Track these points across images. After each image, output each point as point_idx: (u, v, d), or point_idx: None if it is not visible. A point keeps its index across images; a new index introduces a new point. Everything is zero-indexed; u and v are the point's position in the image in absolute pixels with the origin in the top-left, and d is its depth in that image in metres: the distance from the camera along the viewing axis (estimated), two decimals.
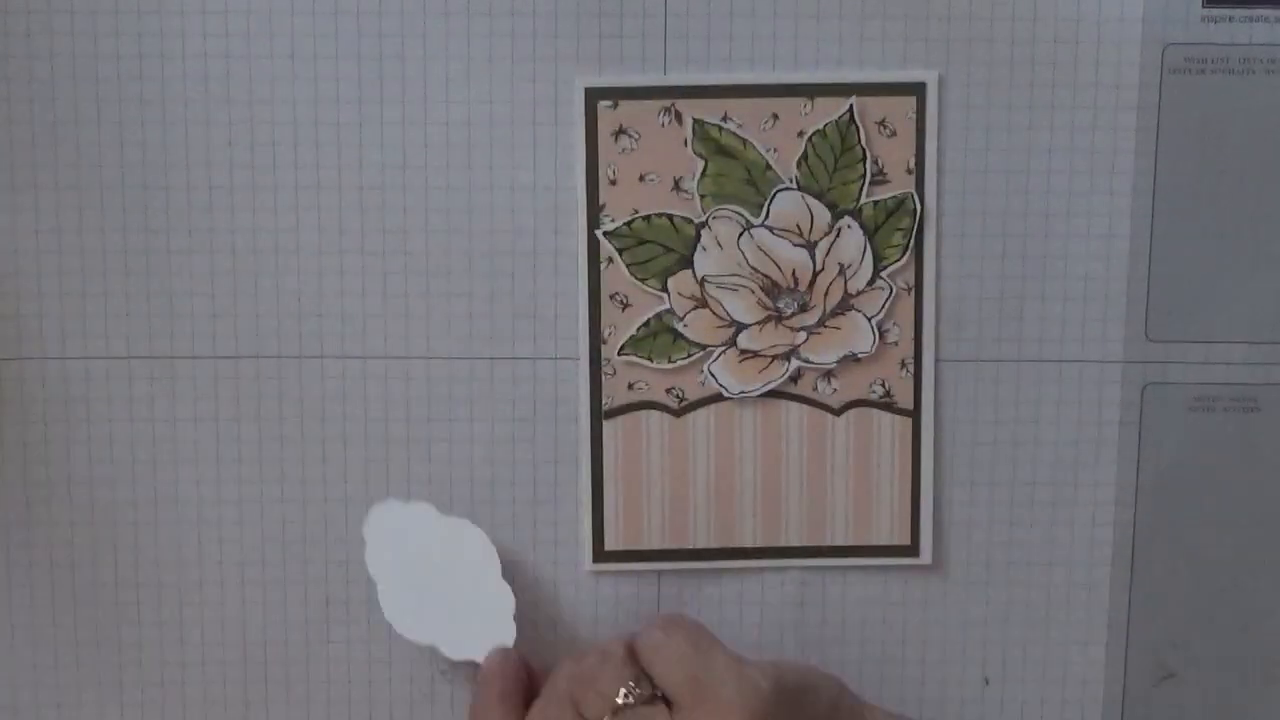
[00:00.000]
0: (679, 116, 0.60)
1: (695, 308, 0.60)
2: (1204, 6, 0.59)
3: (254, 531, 0.61)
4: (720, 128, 0.59)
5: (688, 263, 0.60)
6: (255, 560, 0.61)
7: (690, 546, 0.62)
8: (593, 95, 0.59)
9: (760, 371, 0.61)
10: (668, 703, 0.53)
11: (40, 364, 0.60)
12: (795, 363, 0.61)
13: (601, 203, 0.60)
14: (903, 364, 0.61)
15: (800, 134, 0.59)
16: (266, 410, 0.61)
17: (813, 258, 0.60)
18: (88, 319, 0.60)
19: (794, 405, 0.61)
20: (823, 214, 0.60)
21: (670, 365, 0.61)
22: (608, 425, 0.61)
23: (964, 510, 0.62)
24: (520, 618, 0.59)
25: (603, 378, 0.61)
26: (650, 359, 0.61)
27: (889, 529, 0.62)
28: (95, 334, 0.60)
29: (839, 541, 0.62)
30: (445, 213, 0.60)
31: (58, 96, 0.59)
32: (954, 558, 0.62)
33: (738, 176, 0.60)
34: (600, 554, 0.62)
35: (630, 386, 0.61)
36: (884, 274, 0.60)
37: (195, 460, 0.61)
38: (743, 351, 0.61)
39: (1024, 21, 0.59)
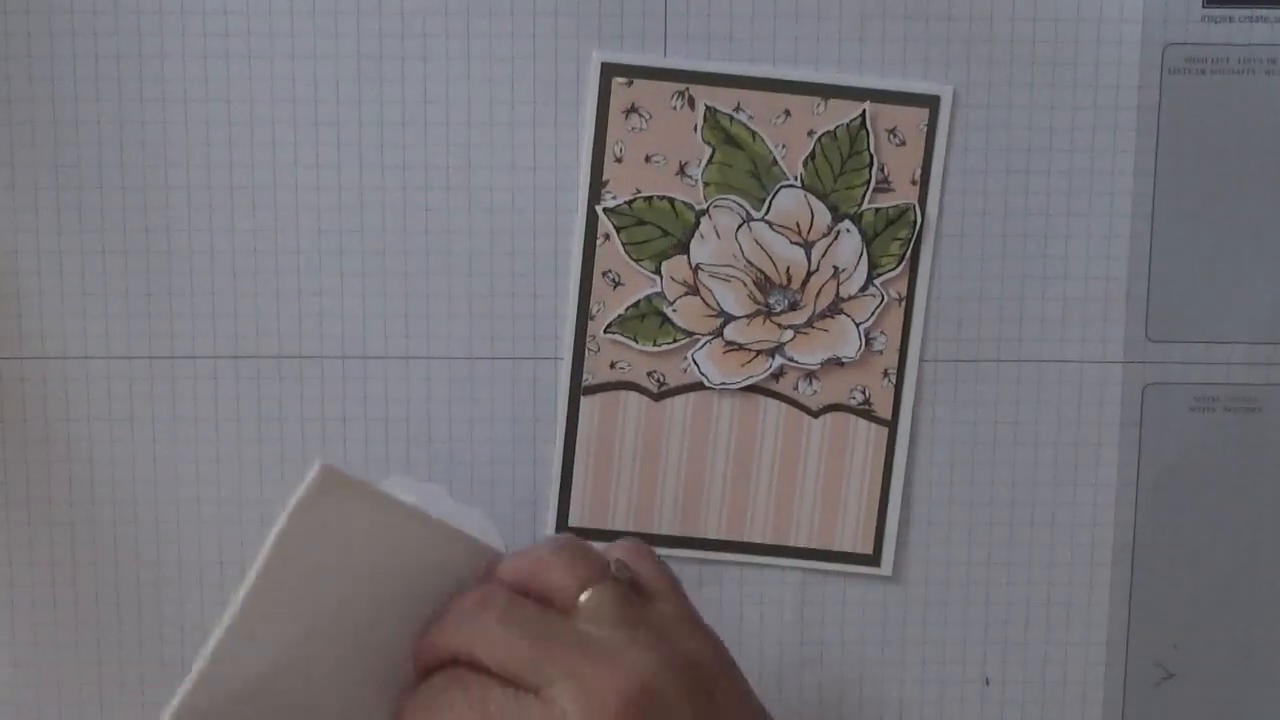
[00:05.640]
0: (692, 102, 0.60)
1: (686, 294, 0.60)
2: (1204, 6, 0.59)
3: (253, 531, 0.61)
4: (731, 118, 0.59)
5: (684, 248, 0.60)
6: (256, 560, 0.61)
7: (654, 531, 0.62)
8: (608, 71, 0.59)
9: (743, 365, 0.61)
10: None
11: (40, 364, 0.60)
12: (779, 360, 0.61)
13: (605, 179, 0.60)
14: (885, 373, 0.61)
15: (810, 133, 0.59)
16: (266, 410, 0.61)
17: (808, 257, 0.60)
18: (88, 319, 0.60)
19: (773, 402, 0.61)
20: (823, 215, 0.60)
21: (655, 348, 0.61)
22: (585, 401, 0.61)
23: (963, 511, 0.62)
24: None
25: (585, 353, 0.61)
26: (635, 340, 0.61)
27: (853, 537, 0.62)
28: (95, 334, 0.60)
29: (802, 543, 0.62)
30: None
31: (58, 96, 0.59)
32: (945, 559, 0.62)
33: (743, 168, 0.60)
34: (563, 529, 0.62)
35: (612, 365, 0.61)
36: (877, 282, 0.60)
37: (195, 460, 0.61)
38: (728, 343, 0.61)
39: (1024, 21, 0.59)
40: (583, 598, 0.49)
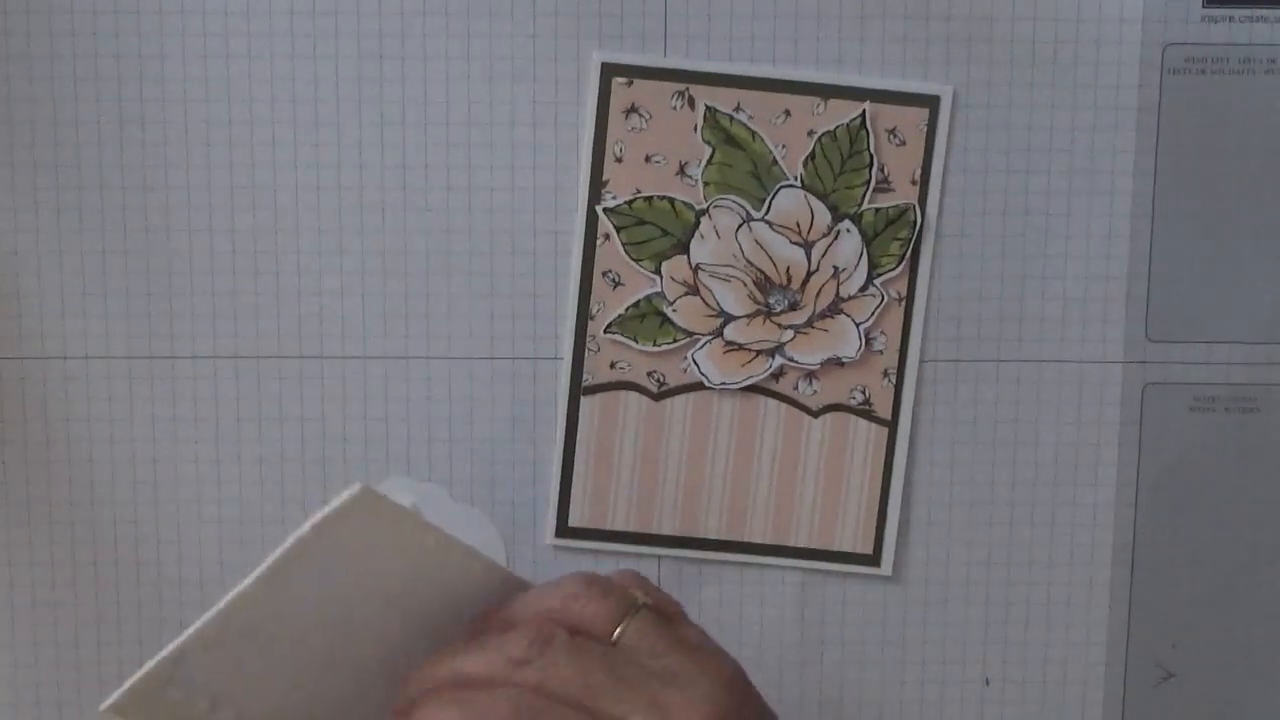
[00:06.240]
0: (692, 102, 0.60)
1: (686, 294, 0.60)
2: (1204, 6, 0.59)
3: (254, 531, 0.61)
4: (731, 118, 0.59)
5: (684, 248, 0.60)
6: (255, 560, 0.61)
7: (654, 531, 0.62)
8: (608, 71, 0.59)
9: (743, 365, 0.61)
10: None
11: (40, 364, 0.60)
12: (779, 360, 0.61)
13: (605, 179, 0.60)
14: (885, 373, 0.61)
15: (810, 133, 0.59)
16: (266, 410, 0.61)
17: (808, 257, 0.60)
18: (88, 319, 0.60)
19: (773, 402, 0.61)
20: (823, 215, 0.60)
21: (655, 348, 0.61)
22: (585, 401, 0.61)
23: (963, 511, 0.62)
24: None
25: (585, 353, 0.61)
26: (635, 340, 0.61)
27: (853, 537, 0.62)
28: (95, 334, 0.60)
29: (802, 543, 0.62)
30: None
31: (58, 96, 0.59)
32: (945, 559, 0.62)
33: (743, 168, 0.60)
34: (563, 529, 0.62)
35: (612, 365, 0.61)
36: (877, 282, 0.60)
37: (195, 460, 0.61)
38: (728, 343, 0.61)
39: (1024, 21, 0.59)
40: (621, 629, 0.49)
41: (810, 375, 0.61)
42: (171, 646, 0.47)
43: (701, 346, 0.61)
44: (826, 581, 0.62)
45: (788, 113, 0.59)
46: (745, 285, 0.60)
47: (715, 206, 0.60)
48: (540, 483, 0.61)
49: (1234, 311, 0.61)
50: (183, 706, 0.48)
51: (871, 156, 0.59)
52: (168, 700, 0.48)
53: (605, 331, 0.61)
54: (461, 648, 0.49)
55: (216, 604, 0.47)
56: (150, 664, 0.47)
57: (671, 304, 0.60)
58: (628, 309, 0.61)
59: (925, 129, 0.60)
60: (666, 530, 0.62)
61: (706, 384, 0.61)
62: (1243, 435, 0.61)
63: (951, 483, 0.62)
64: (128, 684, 0.47)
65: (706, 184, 0.60)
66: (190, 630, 0.47)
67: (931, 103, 0.59)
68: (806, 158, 0.59)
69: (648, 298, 0.60)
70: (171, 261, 0.60)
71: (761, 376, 0.61)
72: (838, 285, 0.60)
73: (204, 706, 0.49)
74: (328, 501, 0.46)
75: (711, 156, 0.60)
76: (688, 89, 0.59)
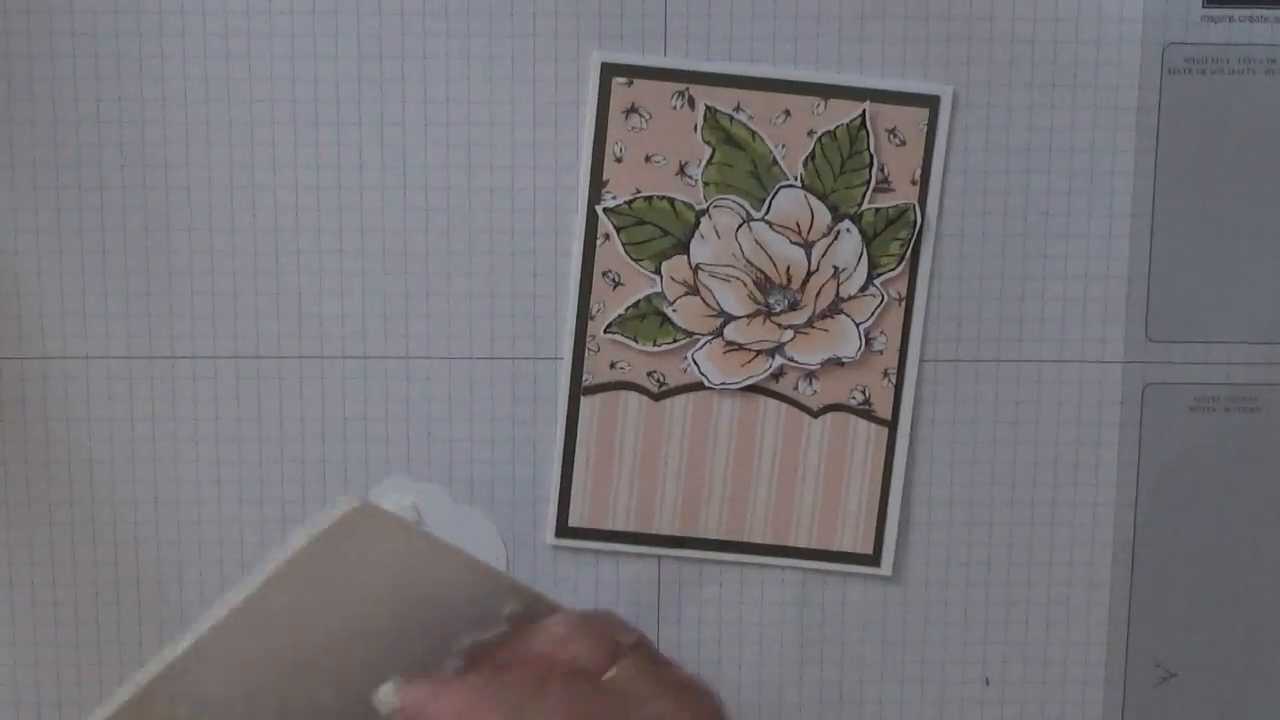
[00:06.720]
0: (692, 102, 0.60)
1: (686, 294, 0.60)
2: (1204, 6, 0.59)
3: (253, 531, 0.61)
4: (731, 118, 0.59)
5: (684, 248, 0.60)
6: (255, 559, 0.61)
7: (654, 531, 0.62)
8: (608, 71, 0.59)
9: (743, 365, 0.61)
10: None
11: (40, 364, 0.60)
12: (779, 360, 0.61)
13: (605, 179, 0.60)
14: (885, 373, 0.61)
15: (810, 133, 0.59)
16: (266, 410, 0.61)
17: (808, 257, 0.60)
18: (88, 319, 0.60)
19: (773, 402, 0.61)
20: (823, 215, 0.60)
21: (655, 348, 0.61)
22: (585, 401, 0.61)
23: (963, 511, 0.62)
24: None
25: (585, 353, 0.61)
26: (635, 340, 0.61)
27: (853, 537, 0.62)
28: (95, 334, 0.60)
29: (802, 543, 0.62)
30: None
31: (58, 96, 0.59)
32: (945, 559, 0.62)
33: (743, 168, 0.60)
34: (563, 529, 0.62)
35: (612, 365, 0.61)
36: (877, 282, 0.60)
37: (195, 460, 0.61)
38: (728, 343, 0.61)
39: (1024, 22, 0.59)
40: (613, 672, 0.50)
41: (810, 375, 0.61)
42: (161, 666, 0.47)
43: (701, 346, 0.61)
44: (826, 581, 0.62)
45: (788, 113, 0.59)
46: (745, 285, 0.60)
47: (715, 206, 0.60)
48: (540, 483, 0.62)
49: (1234, 311, 0.61)
50: (168, 716, 0.48)
51: (871, 156, 0.59)
52: (156, 711, 0.48)
53: (605, 331, 0.61)
54: (457, 681, 0.50)
55: (204, 619, 0.47)
56: (137, 684, 0.47)
57: (671, 304, 0.60)
58: (628, 309, 0.61)
59: (925, 129, 0.60)
60: (666, 530, 0.62)
61: (706, 384, 0.61)
62: (1243, 435, 0.61)
63: (951, 483, 0.62)
64: (117, 701, 0.47)
65: (706, 184, 0.60)
66: (180, 647, 0.47)
67: (931, 103, 0.59)
68: (806, 158, 0.59)
69: (648, 298, 0.60)
70: (171, 261, 0.60)
71: (761, 376, 0.61)
72: (838, 285, 0.60)
73: (184, 714, 0.49)
74: (326, 505, 0.46)
75: (711, 156, 0.60)
76: (688, 89, 0.59)
